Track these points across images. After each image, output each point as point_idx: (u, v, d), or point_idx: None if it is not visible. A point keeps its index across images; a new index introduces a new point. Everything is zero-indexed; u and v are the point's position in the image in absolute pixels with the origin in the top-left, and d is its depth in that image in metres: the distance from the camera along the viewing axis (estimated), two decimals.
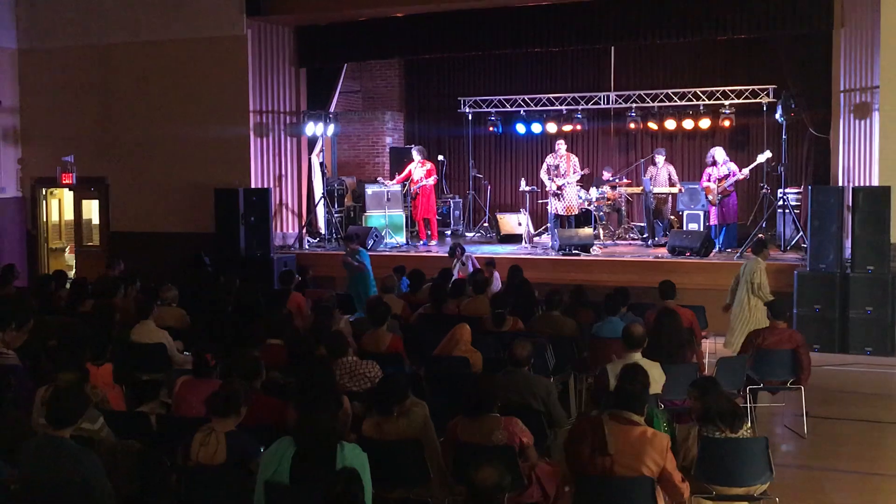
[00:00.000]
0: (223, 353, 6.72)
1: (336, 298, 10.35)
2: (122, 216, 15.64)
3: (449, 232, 17.08)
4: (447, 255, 12.63)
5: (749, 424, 5.66)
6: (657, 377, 6.64)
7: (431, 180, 15.53)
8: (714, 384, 5.81)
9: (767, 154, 13.74)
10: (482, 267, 11.77)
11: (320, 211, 16.04)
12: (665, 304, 8.75)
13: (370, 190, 16.10)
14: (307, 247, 15.43)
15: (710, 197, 13.97)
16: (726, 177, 13.81)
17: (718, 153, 14.05)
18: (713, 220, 14.08)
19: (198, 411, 5.77)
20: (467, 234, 17.12)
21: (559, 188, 14.99)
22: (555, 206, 15.16)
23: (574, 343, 8.43)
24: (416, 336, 8.31)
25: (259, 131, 15.17)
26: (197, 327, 8.89)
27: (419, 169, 15.51)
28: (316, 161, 16.12)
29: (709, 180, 13.98)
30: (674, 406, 6.86)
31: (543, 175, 15.31)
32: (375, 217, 15.77)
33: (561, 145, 15.26)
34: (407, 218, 16.01)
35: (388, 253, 14.72)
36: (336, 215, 15.86)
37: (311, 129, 15.47)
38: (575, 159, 15.30)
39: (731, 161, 14.11)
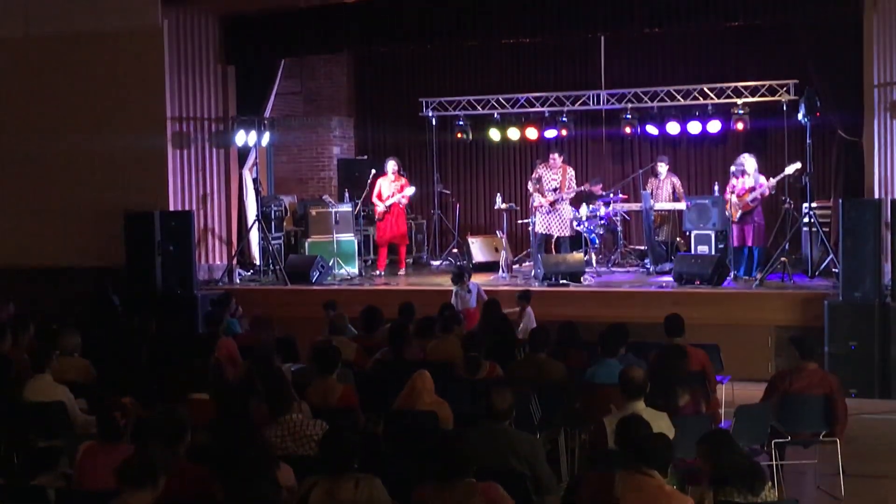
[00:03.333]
0: (136, 411, 6.63)
1: (276, 343, 10.27)
2: (9, 248, 15.44)
3: (410, 260, 17.08)
4: (451, 281, 12.67)
5: (772, 485, 5.68)
6: (665, 430, 6.63)
7: (403, 198, 15.59)
8: (726, 439, 5.82)
9: (797, 165, 13.68)
10: (515, 302, 11.96)
11: (254, 237, 15.98)
12: (672, 342, 8.78)
13: (314, 211, 16.08)
14: (238, 281, 15.36)
15: (731, 212, 14.04)
16: (751, 189, 13.89)
17: (749, 162, 14.07)
18: (734, 242, 14.15)
19: (106, 483, 5.67)
20: (433, 262, 17.14)
21: (552, 205, 15.03)
22: (544, 226, 15.18)
23: (564, 391, 8.41)
24: (373, 386, 8.26)
25: (178, 142, 15.11)
26: (104, 381, 8.78)
27: (391, 184, 15.57)
28: (248, 177, 16.08)
29: (732, 192, 14.06)
30: (685, 465, 6.87)
31: (531, 187, 15.31)
32: (320, 244, 15.73)
33: (556, 157, 15.25)
34: (360, 244, 16.00)
35: (337, 287, 14.68)
36: (273, 242, 15.81)
37: (242, 138, 15.43)
38: (572, 173, 15.36)
39: (760, 173, 14.18)
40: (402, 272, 15.78)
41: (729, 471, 5.46)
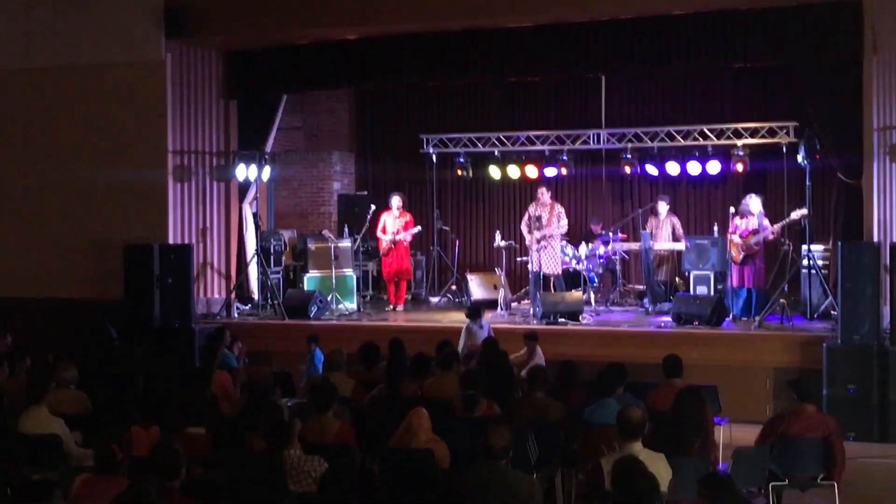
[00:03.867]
0: (132, 444, 6.62)
1: (273, 377, 10.26)
2: (8, 279, 15.43)
3: (409, 296, 17.08)
4: (467, 316, 12.72)
5: None
6: (663, 472, 6.62)
7: (408, 235, 15.69)
8: (727, 482, 5.80)
9: (803, 211, 13.58)
10: (522, 342, 12.03)
11: (253, 271, 15.98)
12: (671, 382, 8.78)
13: (313, 245, 16.09)
14: (237, 315, 15.33)
15: (734, 253, 14.04)
16: (755, 231, 13.90)
17: (754, 203, 14.07)
18: (734, 282, 14.15)
19: None
20: (431, 298, 17.13)
21: (538, 241, 15.11)
22: (536, 264, 15.25)
23: (561, 431, 8.40)
24: (369, 423, 8.25)
25: (179, 176, 15.15)
26: (100, 414, 8.76)
27: (396, 220, 15.65)
28: (248, 211, 16.10)
29: (734, 232, 14.09)
30: None
31: (524, 227, 15.47)
32: (319, 278, 15.74)
33: (544, 193, 15.41)
34: (359, 279, 16.01)
35: (336, 322, 14.68)
36: (272, 276, 15.81)
37: (243, 172, 15.46)
38: (560, 209, 15.47)
39: (765, 216, 14.19)
40: (400, 308, 15.78)
41: None
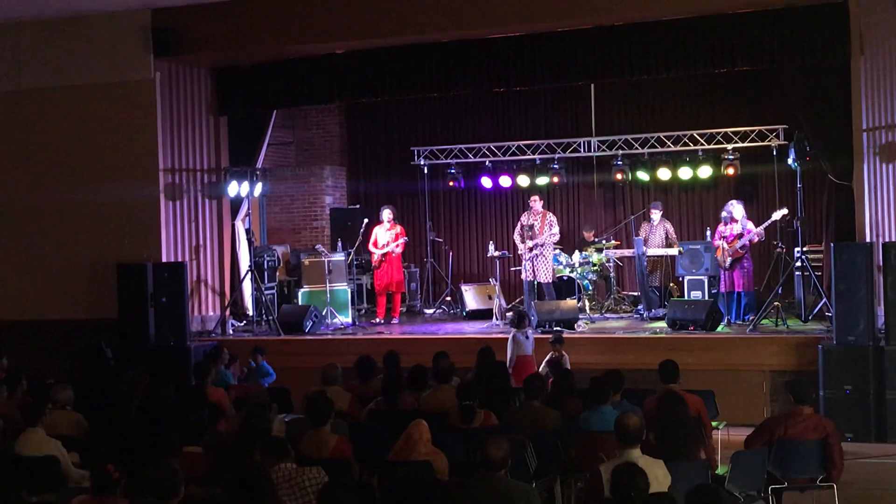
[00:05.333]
0: (130, 465, 6.61)
1: (268, 393, 10.26)
2: (2, 302, 15.40)
3: (404, 308, 17.09)
4: (511, 325, 12.50)
5: None
6: (661, 478, 6.62)
7: (397, 247, 15.66)
8: (715, 494, 5.76)
9: (783, 211, 13.96)
10: (550, 347, 11.91)
11: (247, 287, 15.97)
12: (668, 388, 8.77)
13: (307, 260, 16.09)
14: (231, 332, 15.32)
15: (720, 258, 14.11)
16: (739, 236, 13.96)
17: (737, 210, 14.19)
18: (723, 287, 14.20)
19: None
20: (426, 310, 17.14)
21: (531, 250, 15.15)
22: (529, 273, 15.29)
23: (559, 439, 8.39)
24: (367, 437, 8.23)
25: (171, 193, 15.13)
26: (97, 435, 8.74)
27: (387, 233, 15.65)
28: (241, 228, 16.10)
29: (719, 238, 14.14)
30: None
31: (516, 237, 15.52)
32: (313, 293, 15.73)
33: (536, 201, 15.46)
34: (353, 293, 16.01)
35: (331, 336, 14.67)
36: (266, 292, 15.80)
37: (235, 189, 15.46)
38: (552, 217, 15.52)
39: (748, 219, 14.28)
40: (395, 321, 15.78)
41: None
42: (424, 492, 6.31)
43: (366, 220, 16.07)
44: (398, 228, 15.85)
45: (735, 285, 14.06)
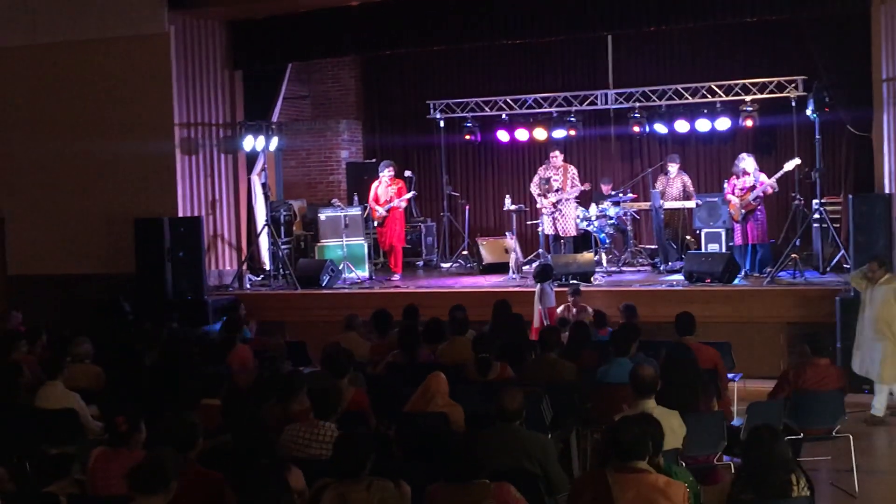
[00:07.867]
0: (147, 417, 6.64)
1: (286, 347, 10.31)
2: (20, 256, 15.51)
3: (421, 263, 17.09)
4: (535, 278, 12.47)
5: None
6: (677, 428, 6.65)
7: (403, 202, 15.59)
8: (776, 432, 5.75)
9: (796, 161, 13.91)
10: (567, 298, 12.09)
11: (263, 242, 16.00)
12: (682, 340, 8.77)
13: (323, 215, 16.10)
14: (248, 286, 15.37)
15: (733, 212, 14.09)
16: (752, 188, 13.90)
17: (748, 163, 14.13)
18: (737, 240, 14.18)
19: (118, 489, 5.69)
20: (443, 264, 17.14)
21: (554, 205, 15.10)
22: (548, 227, 15.25)
23: (575, 391, 8.42)
24: (384, 389, 8.27)
25: (186, 148, 15.14)
26: (115, 388, 8.81)
27: (387, 189, 15.54)
28: (257, 182, 16.10)
29: (732, 192, 14.09)
30: (697, 463, 6.86)
31: (534, 189, 15.44)
32: (331, 247, 15.75)
33: (556, 156, 15.36)
34: (370, 247, 16.01)
35: (348, 290, 14.70)
36: (283, 247, 15.82)
37: (250, 143, 15.45)
38: (573, 171, 15.45)
39: (761, 171, 14.21)
40: (396, 277, 15.57)
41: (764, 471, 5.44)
42: (440, 443, 6.33)
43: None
44: (400, 184, 15.68)
45: (749, 237, 14.03)
